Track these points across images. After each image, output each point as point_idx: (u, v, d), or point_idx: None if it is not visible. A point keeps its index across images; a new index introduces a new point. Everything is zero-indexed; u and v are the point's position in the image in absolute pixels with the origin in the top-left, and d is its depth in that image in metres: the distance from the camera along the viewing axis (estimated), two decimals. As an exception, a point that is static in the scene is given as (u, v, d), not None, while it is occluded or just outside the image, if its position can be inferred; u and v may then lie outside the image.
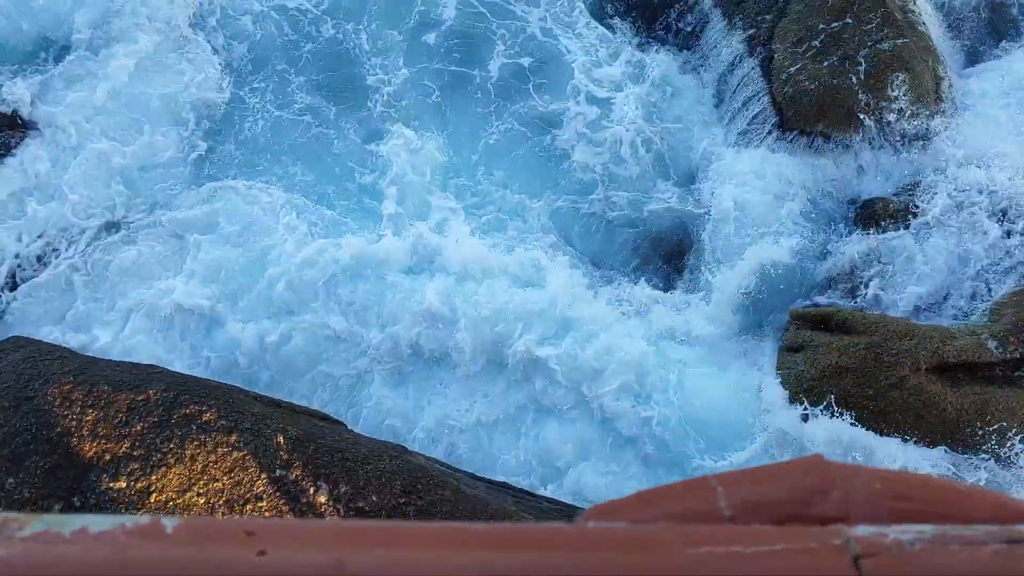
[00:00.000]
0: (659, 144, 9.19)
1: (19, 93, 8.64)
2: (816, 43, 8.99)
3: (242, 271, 8.05)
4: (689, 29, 9.81)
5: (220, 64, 9.36)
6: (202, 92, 9.07)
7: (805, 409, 7.19)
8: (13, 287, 7.89)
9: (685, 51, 9.79)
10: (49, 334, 7.40)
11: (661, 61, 9.70)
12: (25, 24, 9.17)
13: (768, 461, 7.12)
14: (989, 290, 7.88)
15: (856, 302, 8.06)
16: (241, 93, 9.34)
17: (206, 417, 5.77)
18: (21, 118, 8.63)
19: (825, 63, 8.87)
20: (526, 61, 9.71)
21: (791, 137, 8.85)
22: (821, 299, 8.23)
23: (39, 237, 8.08)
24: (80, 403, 5.83)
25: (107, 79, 8.86)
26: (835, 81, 8.76)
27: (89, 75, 8.93)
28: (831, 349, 7.42)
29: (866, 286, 8.07)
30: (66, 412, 5.81)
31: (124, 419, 5.75)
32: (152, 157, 8.63)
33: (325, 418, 6.57)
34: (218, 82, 9.21)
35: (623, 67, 9.55)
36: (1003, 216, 8.12)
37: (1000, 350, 7.21)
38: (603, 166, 9.09)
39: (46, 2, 9.26)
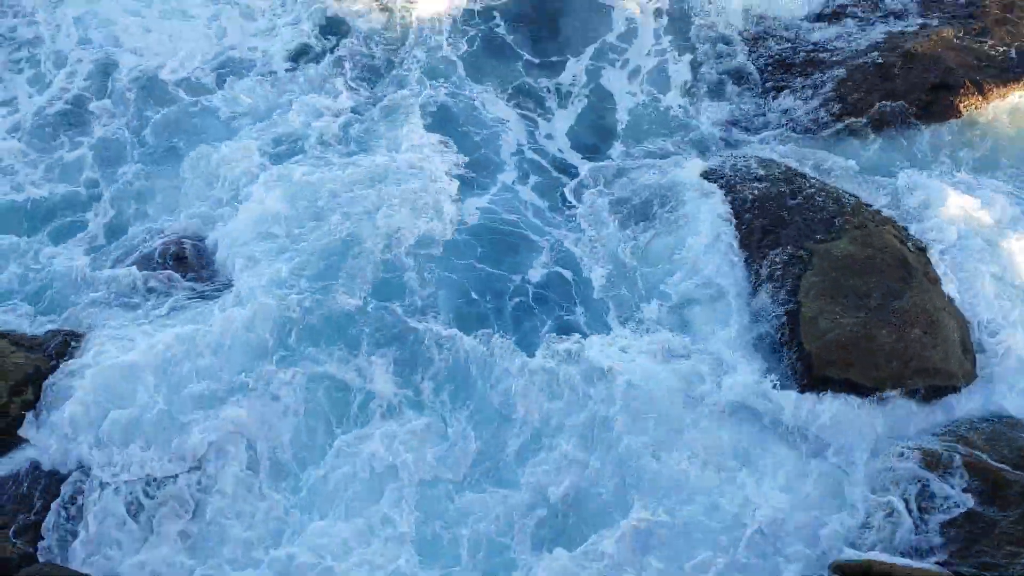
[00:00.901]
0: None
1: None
2: (842, 296, 9.30)
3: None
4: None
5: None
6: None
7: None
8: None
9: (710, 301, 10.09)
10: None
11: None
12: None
13: None
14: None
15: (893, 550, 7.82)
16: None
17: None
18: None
19: (851, 316, 9.14)
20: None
21: (820, 386, 8.95)
22: (859, 550, 8.00)
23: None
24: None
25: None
26: (862, 334, 8.99)
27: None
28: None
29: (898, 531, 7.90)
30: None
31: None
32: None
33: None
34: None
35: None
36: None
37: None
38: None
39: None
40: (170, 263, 10.06)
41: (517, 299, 10.06)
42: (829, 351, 8.99)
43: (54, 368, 8.96)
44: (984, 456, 8.17)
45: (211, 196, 10.79)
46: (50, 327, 9.46)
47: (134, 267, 9.91)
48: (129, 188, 11.03)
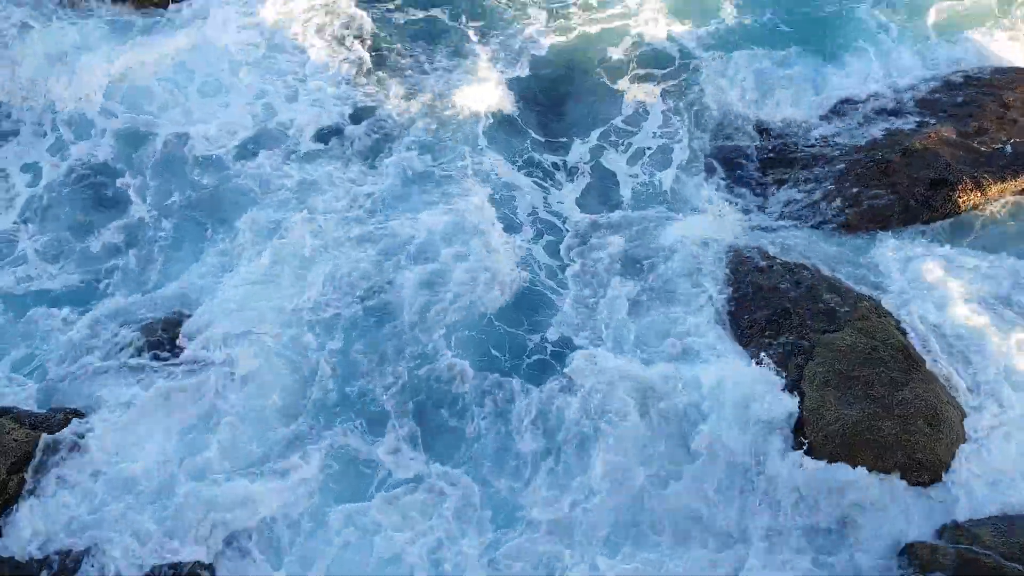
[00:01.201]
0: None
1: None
2: (845, 387, 9.30)
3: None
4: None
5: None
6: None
7: None
8: None
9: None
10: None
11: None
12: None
13: None
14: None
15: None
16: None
17: None
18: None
19: (855, 408, 9.13)
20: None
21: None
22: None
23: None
24: None
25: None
26: (866, 425, 8.96)
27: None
28: None
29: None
30: None
31: None
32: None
33: None
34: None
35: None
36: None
37: None
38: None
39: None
40: (179, 337, 10.10)
41: (534, 358, 10.23)
42: (832, 443, 8.95)
43: (56, 445, 8.93)
44: (989, 553, 8.04)
45: (231, 272, 10.89)
46: (53, 404, 9.49)
47: (140, 338, 9.98)
48: (145, 263, 11.16)
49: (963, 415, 9.27)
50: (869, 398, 9.18)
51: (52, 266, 11.13)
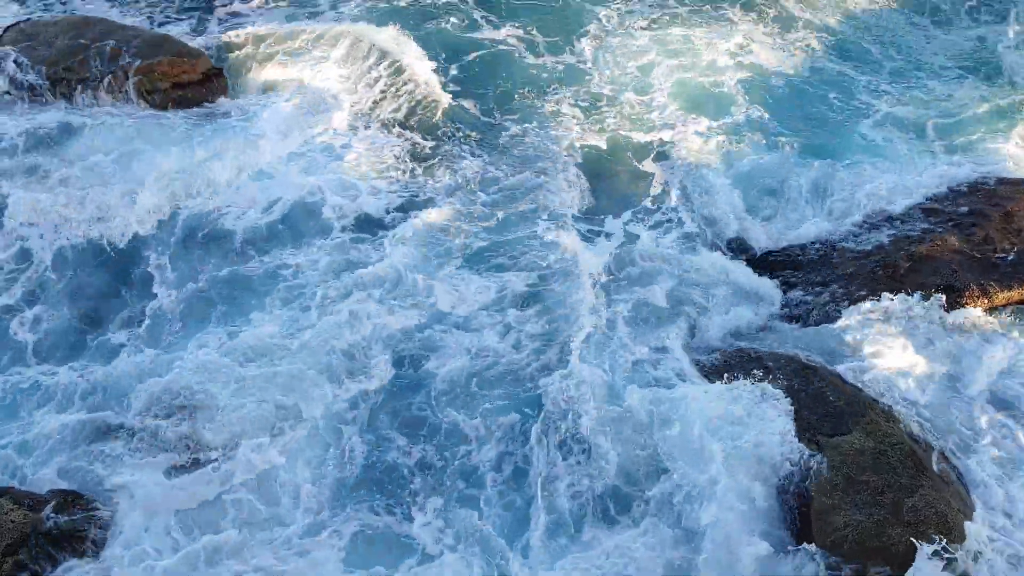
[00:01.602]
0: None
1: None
2: (854, 492, 9.18)
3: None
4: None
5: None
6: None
7: None
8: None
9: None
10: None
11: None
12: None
13: None
14: None
15: None
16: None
17: None
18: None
19: (864, 513, 9.01)
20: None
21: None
22: None
23: None
24: None
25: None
26: (875, 532, 8.84)
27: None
28: None
29: None
30: None
31: None
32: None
33: None
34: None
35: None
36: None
37: None
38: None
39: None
40: (195, 415, 9.98)
41: (558, 415, 10.26)
42: (841, 548, 8.81)
43: (55, 527, 8.79)
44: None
45: (257, 349, 10.82)
46: (56, 486, 9.39)
47: (151, 416, 9.93)
48: (157, 339, 11.12)
49: (971, 517, 9.13)
50: (878, 504, 9.06)
51: (53, 364, 10.94)
